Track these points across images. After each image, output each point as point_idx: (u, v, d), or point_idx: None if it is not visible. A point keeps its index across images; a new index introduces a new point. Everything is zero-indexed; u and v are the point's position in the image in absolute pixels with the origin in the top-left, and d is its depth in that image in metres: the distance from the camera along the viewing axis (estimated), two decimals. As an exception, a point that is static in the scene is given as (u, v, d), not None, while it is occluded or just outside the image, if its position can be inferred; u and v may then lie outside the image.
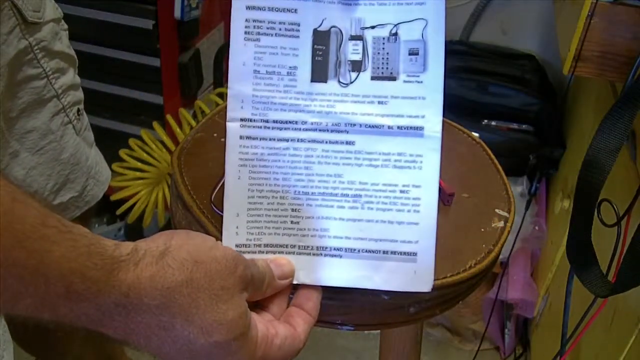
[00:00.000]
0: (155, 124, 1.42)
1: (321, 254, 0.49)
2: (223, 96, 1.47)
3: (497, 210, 0.61)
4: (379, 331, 0.68)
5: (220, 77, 1.58)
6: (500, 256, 0.62)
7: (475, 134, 0.72)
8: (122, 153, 1.45)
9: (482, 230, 0.59)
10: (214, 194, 0.56)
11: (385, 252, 0.49)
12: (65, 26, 0.79)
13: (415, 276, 0.49)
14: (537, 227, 1.39)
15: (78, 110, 0.81)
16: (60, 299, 0.35)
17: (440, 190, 0.61)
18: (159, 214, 1.47)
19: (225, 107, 0.67)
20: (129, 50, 1.43)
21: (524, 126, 1.44)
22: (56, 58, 0.75)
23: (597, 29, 0.80)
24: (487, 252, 0.56)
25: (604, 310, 0.74)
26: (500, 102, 1.47)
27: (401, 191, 0.49)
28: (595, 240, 0.69)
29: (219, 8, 1.54)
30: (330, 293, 0.51)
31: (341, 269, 0.49)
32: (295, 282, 0.48)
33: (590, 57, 0.82)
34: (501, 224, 0.60)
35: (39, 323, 0.37)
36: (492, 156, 0.69)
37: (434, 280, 0.50)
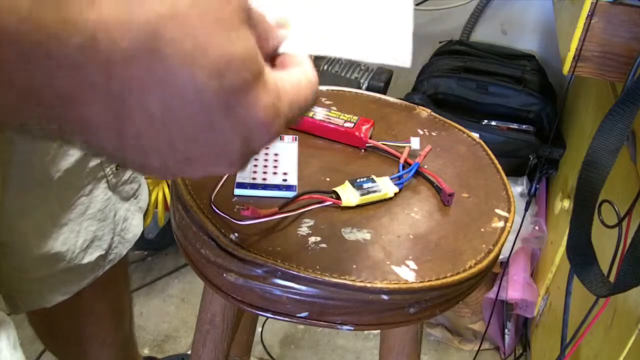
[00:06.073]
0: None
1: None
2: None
3: (497, 210, 0.61)
4: (379, 331, 0.68)
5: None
6: (500, 256, 0.62)
7: (475, 134, 0.72)
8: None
9: (482, 230, 0.59)
10: (214, 194, 0.56)
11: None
12: None
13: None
14: (537, 227, 1.39)
15: (118, 165, 0.76)
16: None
17: (440, 190, 0.62)
18: (159, 214, 1.47)
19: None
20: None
21: (524, 126, 1.43)
22: None
23: (597, 29, 0.80)
24: (487, 252, 0.56)
25: (604, 310, 0.74)
26: (500, 102, 1.47)
27: None
28: (596, 241, 0.69)
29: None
30: (331, 293, 0.51)
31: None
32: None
33: (590, 57, 0.82)
34: (501, 224, 0.60)
35: None
36: (492, 156, 0.69)
37: (434, 279, 0.50)
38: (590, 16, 0.79)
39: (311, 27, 0.43)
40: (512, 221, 0.60)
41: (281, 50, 0.40)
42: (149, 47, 0.28)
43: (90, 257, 0.77)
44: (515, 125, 1.43)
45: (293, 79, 0.35)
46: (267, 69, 0.32)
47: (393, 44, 0.44)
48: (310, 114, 0.68)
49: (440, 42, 1.68)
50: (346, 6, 0.44)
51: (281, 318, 0.53)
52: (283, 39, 0.38)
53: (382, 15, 0.44)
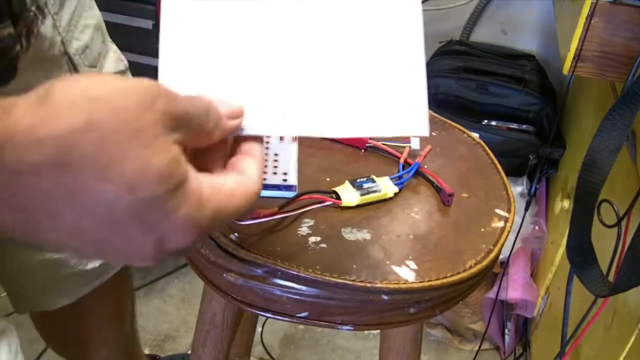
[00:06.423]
0: (155, 124, 1.42)
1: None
2: (223, 96, 1.46)
3: (497, 210, 0.61)
4: (379, 331, 0.68)
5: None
6: (500, 256, 0.62)
7: (475, 134, 0.72)
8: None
9: (482, 230, 0.59)
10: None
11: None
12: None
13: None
14: (537, 227, 1.39)
15: None
16: None
17: (440, 190, 0.62)
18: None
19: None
20: (129, 51, 1.43)
21: (524, 126, 1.44)
22: None
23: (597, 29, 0.80)
24: (487, 252, 0.56)
25: (604, 310, 0.74)
26: (500, 102, 1.47)
27: None
28: (595, 241, 0.69)
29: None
30: (331, 293, 0.51)
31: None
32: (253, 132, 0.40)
33: (590, 57, 0.82)
34: (501, 224, 0.60)
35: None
36: (492, 156, 0.69)
37: (434, 279, 0.50)
38: (590, 16, 0.79)
39: (327, 111, 0.42)
40: (512, 221, 0.60)
41: (296, 134, 0.39)
42: (60, 161, 0.27)
43: (95, 263, 0.77)
44: (515, 125, 1.43)
45: (226, 187, 0.34)
46: (193, 176, 0.32)
47: (409, 116, 0.43)
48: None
49: (440, 42, 1.68)
50: (359, 84, 0.43)
51: (281, 318, 0.53)
52: (233, 129, 0.38)
53: (395, 88, 0.43)
